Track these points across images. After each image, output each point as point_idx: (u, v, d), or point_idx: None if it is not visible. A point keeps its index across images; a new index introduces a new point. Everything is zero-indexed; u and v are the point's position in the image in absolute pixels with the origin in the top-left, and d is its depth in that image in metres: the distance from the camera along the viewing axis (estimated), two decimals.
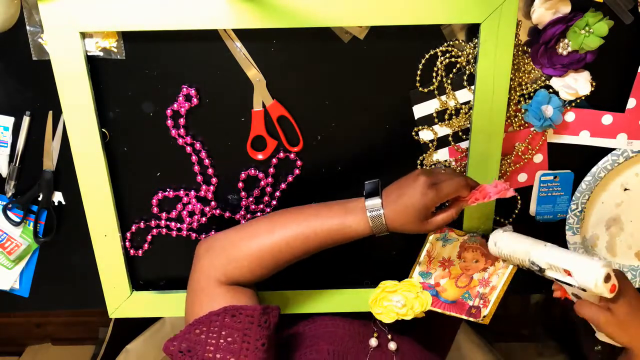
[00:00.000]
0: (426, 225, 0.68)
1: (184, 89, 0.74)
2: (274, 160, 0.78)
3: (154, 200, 0.80)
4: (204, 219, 0.81)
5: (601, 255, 0.86)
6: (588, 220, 0.84)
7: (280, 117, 0.75)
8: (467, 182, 0.68)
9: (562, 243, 0.83)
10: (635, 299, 0.66)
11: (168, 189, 0.80)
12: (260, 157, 0.77)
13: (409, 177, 0.68)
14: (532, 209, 0.83)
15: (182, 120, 0.75)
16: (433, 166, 0.80)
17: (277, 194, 0.80)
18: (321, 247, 0.70)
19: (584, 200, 0.80)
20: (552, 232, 0.84)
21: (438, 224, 0.69)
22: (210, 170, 0.78)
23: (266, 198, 0.80)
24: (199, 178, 0.79)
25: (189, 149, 0.77)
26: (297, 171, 0.79)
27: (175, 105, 0.74)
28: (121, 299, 0.83)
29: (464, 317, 0.86)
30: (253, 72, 0.73)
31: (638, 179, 0.81)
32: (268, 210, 0.81)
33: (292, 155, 0.78)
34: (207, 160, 0.78)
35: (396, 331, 0.82)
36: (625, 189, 0.82)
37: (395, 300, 0.82)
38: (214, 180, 0.79)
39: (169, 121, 0.75)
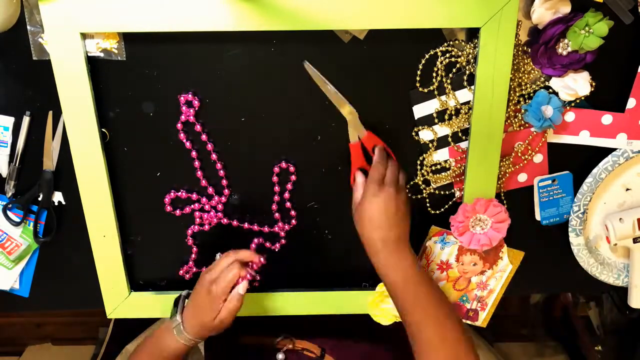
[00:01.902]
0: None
1: (189, 95, 0.74)
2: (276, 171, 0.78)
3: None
4: (206, 225, 0.81)
5: (605, 255, 0.86)
6: (591, 221, 0.84)
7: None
8: (236, 264, 0.72)
9: (566, 245, 0.83)
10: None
11: (172, 191, 0.80)
12: None
13: (196, 288, 0.73)
14: (537, 214, 0.83)
15: (180, 125, 0.75)
16: (433, 166, 0.79)
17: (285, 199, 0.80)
18: None
19: (585, 201, 0.80)
20: (558, 236, 0.84)
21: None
22: (222, 179, 0.79)
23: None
24: (204, 182, 0.79)
25: (194, 153, 0.77)
26: (294, 178, 0.79)
27: (183, 109, 0.75)
28: (119, 300, 0.83)
29: (461, 319, 0.86)
30: (347, 109, 0.74)
31: (639, 179, 0.81)
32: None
33: (291, 168, 0.78)
34: (219, 164, 0.78)
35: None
36: (627, 189, 0.82)
37: (393, 303, 0.82)
38: (226, 191, 0.80)
39: (178, 124, 0.76)
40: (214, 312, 0.71)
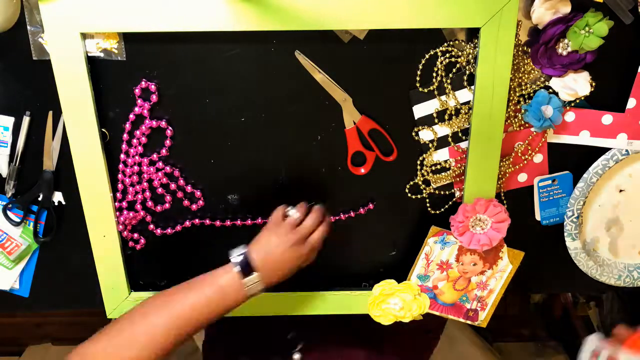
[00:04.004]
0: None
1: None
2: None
3: (153, 201, 0.80)
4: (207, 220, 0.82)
5: (604, 257, 0.86)
6: (586, 224, 0.84)
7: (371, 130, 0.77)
8: (325, 217, 0.74)
9: (563, 248, 0.83)
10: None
11: (171, 189, 0.80)
12: (362, 171, 0.79)
13: (279, 246, 0.69)
14: (537, 214, 0.83)
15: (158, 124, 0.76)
16: (433, 166, 0.79)
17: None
18: (202, 323, 0.67)
19: (579, 206, 0.80)
20: (558, 236, 0.84)
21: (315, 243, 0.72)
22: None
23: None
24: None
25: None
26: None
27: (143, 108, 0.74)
28: (119, 300, 0.83)
29: (461, 319, 0.86)
30: (339, 94, 0.74)
31: (632, 180, 0.81)
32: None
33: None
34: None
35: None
36: (621, 190, 0.82)
37: (393, 303, 0.82)
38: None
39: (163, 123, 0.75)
40: (303, 257, 0.71)
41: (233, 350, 0.90)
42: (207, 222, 0.81)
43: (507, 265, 0.82)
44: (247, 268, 0.68)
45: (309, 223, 0.72)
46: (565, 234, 0.82)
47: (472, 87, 0.74)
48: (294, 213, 0.73)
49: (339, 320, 0.86)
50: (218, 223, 0.81)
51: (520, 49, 0.73)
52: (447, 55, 0.73)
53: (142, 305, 0.67)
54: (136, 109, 0.75)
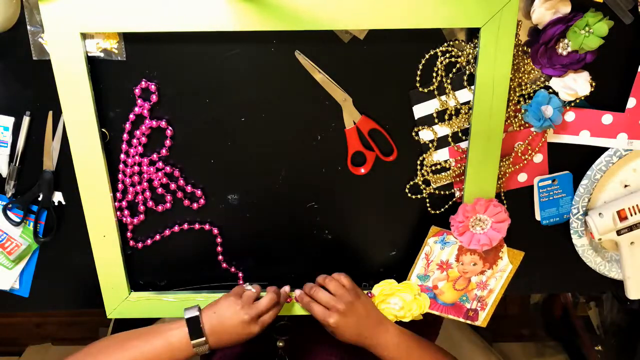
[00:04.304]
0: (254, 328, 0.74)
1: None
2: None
3: (153, 201, 0.80)
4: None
5: (613, 253, 0.86)
6: None
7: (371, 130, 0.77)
8: (280, 299, 0.78)
9: (570, 246, 0.83)
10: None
11: (172, 189, 0.80)
12: (362, 171, 0.79)
13: (232, 318, 0.73)
14: (537, 214, 0.83)
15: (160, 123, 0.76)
16: (433, 166, 0.79)
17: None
18: None
19: (584, 203, 0.80)
20: (558, 236, 0.84)
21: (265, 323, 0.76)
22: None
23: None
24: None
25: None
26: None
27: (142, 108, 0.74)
28: (119, 300, 0.83)
29: (461, 319, 0.86)
30: (339, 94, 0.74)
31: (637, 174, 0.81)
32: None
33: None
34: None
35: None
36: (626, 186, 0.82)
37: (393, 303, 0.82)
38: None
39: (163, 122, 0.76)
40: (250, 334, 0.74)
41: None
42: (207, 227, 0.81)
43: (507, 265, 0.83)
44: (197, 330, 0.72)
45: (264, 303, 0.75)
46: (572, 231, 0.82)
47: (472, 87, 0.74)
48: (251, 289, 0.77)
49: None
50: (216, 231, 0.82)
51: (520, 49, 0.73)
52: (447, 55, 0.73)
53: (93, 346, 0.73)
54: (136, 109, 0.75)
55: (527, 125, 0.77)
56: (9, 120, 0.76)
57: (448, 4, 0.67)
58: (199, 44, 0.72)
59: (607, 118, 0.76)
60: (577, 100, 0.76)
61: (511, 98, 0.75)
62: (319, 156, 0.78)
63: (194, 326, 0.72)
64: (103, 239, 0.79)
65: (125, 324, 1.45)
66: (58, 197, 0.80)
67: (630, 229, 0.81)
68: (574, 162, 0.80)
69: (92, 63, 0.72)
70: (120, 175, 0.78)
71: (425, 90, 0.75)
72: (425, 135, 0.78)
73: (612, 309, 1.46)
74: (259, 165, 0.79)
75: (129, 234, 0.82)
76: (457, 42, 0.73)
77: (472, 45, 0.72)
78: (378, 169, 0.79)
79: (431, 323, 1.05)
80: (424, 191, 0.81)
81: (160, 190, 0.79)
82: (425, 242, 0.81)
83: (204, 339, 0.72)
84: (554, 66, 0.72)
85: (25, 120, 0.75)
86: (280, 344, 0.83)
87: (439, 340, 1.09)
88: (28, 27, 0.71)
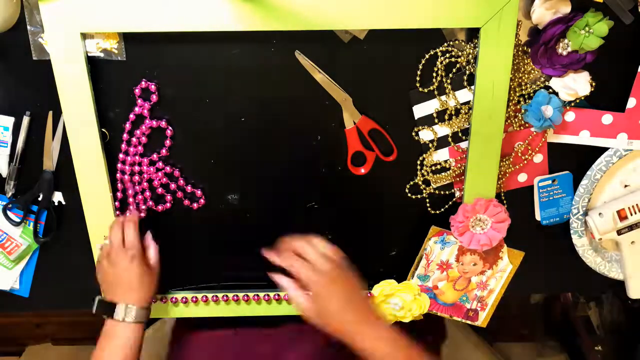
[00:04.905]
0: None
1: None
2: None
3: (154, 201, 0.80)
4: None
5: (613, 252, 0.86)
6: None
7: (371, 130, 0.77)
8: (125, 220, 0.77)
9: (570, 246, 0.83)
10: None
11: (172, 189, 0.80)
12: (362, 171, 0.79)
13: (107, 271, 0.75)
14: (537, 214, 0.83)
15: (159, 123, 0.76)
16: (433, 166, 0.79)
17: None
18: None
19: (584, 203, 0.80)
20: (558, 236, 0.84)
21: None
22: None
23: None
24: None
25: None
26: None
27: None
28: None
29: (461, 319, 0.86)
30: (339, 94, 0.74)
31: (637, 174, 0.81)
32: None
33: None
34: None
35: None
36: (626, 186, 0.82)
37: (393, 303, 0.83)
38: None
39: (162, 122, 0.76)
40: (129, 264, 0.74)
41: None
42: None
43: (507, 265, 0.83)
44: (108, 306, 0.74)
45: (110, 239, 0.76)
46: (572, 231, 0.82)
47: (472, 87, 0.74)
48: (106, 242, 0.78)
49: None
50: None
51: (520, 49, 0.73)
52: (447, 55, 0.73)
53: None
54: (136, 109, 0.75)
55: (527, 125, 0.77)
56: (9, 120, 0.76)
57: (448, 4, 0.68)
58: (199, 44, 0.72)
59: (607, 118, 0.77)
60: (577, 100, 0.76)
61: (511, 98, 0.75)
62: (319, 156, 0.78)
63: (102, 306, 0.74)
64: (103, 239, 0.79)
65: None
66: (58, 197, 0.80)
67: (631, 228, 0.81)
68: (574, 162, 0.80)
69: (92, 63, 0.72)
70: (120, 175, 0.78)
71: (425, 90, 0.75)
72: (425, 135, 0.78)
73: (612, 309, 1.47)
74: (259, 165, 0.79)
75: None
76: (457, 42, 0.73)
77: (472, 45, 0.72)
78: (378, 169, 0.79)
79: (434, 325, 1.04)
80: (424, 191, 0.81)
81: (160, 190, 0.79)
82: (425, 242, 0.81)
83: (119, 306, 0.73)
84: (554, 66, 0.72)
85: (25, 120, 0.75)
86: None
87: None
88: (28, 27, 0.71)
